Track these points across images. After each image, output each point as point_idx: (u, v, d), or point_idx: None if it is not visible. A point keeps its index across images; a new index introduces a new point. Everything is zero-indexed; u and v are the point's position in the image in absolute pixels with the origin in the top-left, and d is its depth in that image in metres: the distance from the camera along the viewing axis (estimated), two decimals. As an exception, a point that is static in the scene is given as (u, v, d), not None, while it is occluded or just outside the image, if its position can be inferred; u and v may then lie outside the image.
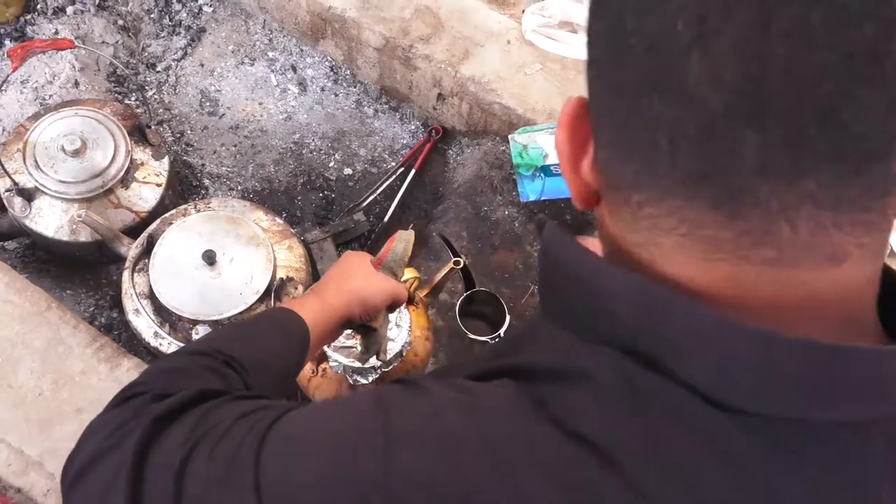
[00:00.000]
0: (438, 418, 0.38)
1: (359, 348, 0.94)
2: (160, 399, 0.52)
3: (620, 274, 0.34)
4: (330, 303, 0.77)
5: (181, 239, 1.19)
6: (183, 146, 1.58)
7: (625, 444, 0.33)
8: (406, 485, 0.35)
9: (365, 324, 0.83)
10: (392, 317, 0.99)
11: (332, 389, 1.04)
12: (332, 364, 0.99)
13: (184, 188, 1.52)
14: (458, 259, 1.02)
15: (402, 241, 0.90)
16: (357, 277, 0.81)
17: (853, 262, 0.31)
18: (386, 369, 0.96)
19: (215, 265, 1.16)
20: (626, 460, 0.33)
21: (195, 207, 1.28)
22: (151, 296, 1.18)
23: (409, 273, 1.03)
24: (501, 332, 1.16)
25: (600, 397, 0.34)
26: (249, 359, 0.65)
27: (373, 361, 0.94)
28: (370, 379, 0.96)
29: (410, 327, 0.97)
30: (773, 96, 0.27)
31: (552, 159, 1.29)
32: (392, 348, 0.95)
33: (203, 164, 1.57)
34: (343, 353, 0.98)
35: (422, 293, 1.06)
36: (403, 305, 0.93)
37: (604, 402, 0.34)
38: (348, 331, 0.91)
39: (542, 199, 1.36)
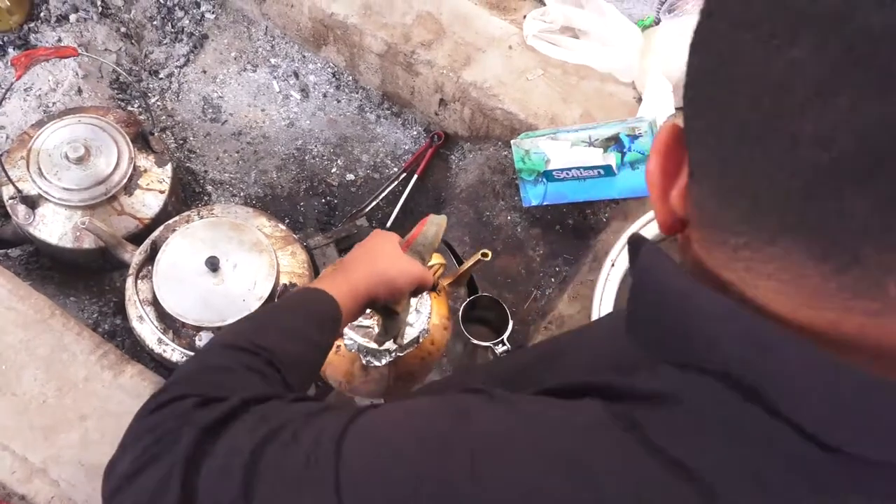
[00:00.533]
0: (526, 432, 0.38)
1: (376, 329, 0.93)
2: (203, 405, 0.52)
3: (725, 303, 0.34)
4: (356, 283, 0.76)
5: (184, 245, 1.19)
6: (186, 153, 1.58)
7: (723, 474, 0.33)
8: (493, 493, 0.35)
9: (387, 306, 0.81)
10: (413, 301, 0.97)
11: (344, 367, 1.03)
12: (346, 342, 0.98)
13: (187, 195, 1.53)
14: (486, 252, 1.01)
15: (434, 224, 0.88)
16: (385, 259, 0.79)
17: None
18: (401, 354, 0.94)
19: (218, 271, 1.17)
20: (724, 492, 0.33)
21: (198, 214, 1.28)
22: (155, 302, 1.18)
23: (435, 259, 1.01)
24: (504, 337, 1.16)
25: (698, 424, 0.34)
26: (291, 355, 0.63)
27: (388, 344, 0.93)
28: (383, 361, 0.95)
29: (430, 314, 0.95)
30: (887, 161, 0.27)
31: (554, 164, 1.29)
32: (410, 333, 0.94)
33: (206, 171, 1.57)
34: (359, 332, 0.97)
35: (445, 282, 1.05)
36: (426, 291, 0.92)
37: (702, 430, 0.34)
38: (368, 310, 0.90)
39: (545, 203, 1.36)
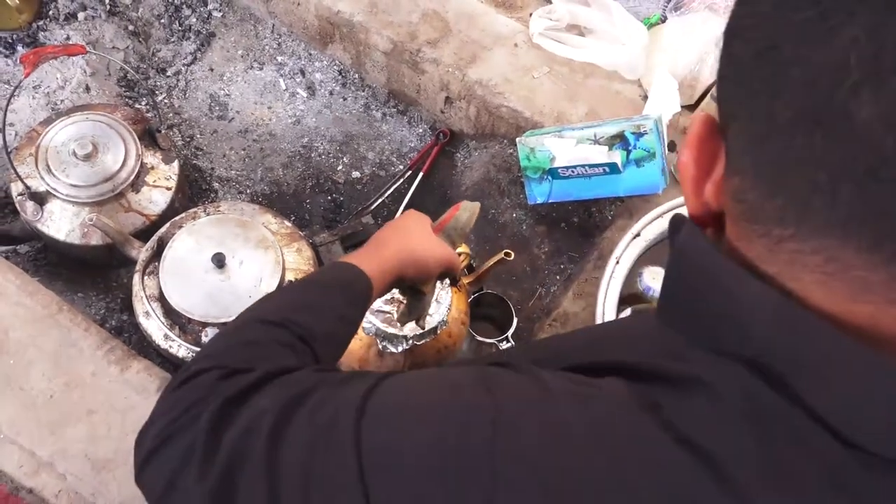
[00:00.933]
0: (548, 405, 0.38)
1: (395, 314, 0.92)
2: (228, 377, 0.52)
3: (763, 289, 0.33)
4: (387, 260, 0.76)
5: (190, 242, 1.20)
6: (193, 150, 1.59)
7: (742, 461, 0.33)
8: (513, 467, 0.36)
9: (414, 286, 0.81)
10: (435, 290, 0.96)
11: (360, 353, 1.02)
12: (365, 325, 0.98)
13: (193, 192, 1.53)
14: (509, 252, 1.00)
15: (467, 210, 0.87)
16: (416, 238, 0.80)
17: None
18: (418, 342, 0.93)
19: (225, 268, 1.17)
20: (742, 478, 0.32)
21: (205, 210, 1.29)
22: (161, 298, 1.19)
23: (462, 248, 1.00)
24: (509, 334, 1.16)
25: (721, 409, 0.34)
26: (321, 329, 0.63)
27: (407, 330, 0.93)
28: (399, 349, 0.94)
29: (450, 306, 0.94)
30: None
31: (559, 161, 1.29)
32: (429, 322, 0.93)
33: (213, 168, 1.58)
34: (379, 316, 0.96)
35: (466, 280, 1.04)
36: (448, 283, 0.91)
37: (724, 415, 0.34)
38: (388, 295, 0.88)
39: (550, 201, 1.36)
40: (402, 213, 0.84)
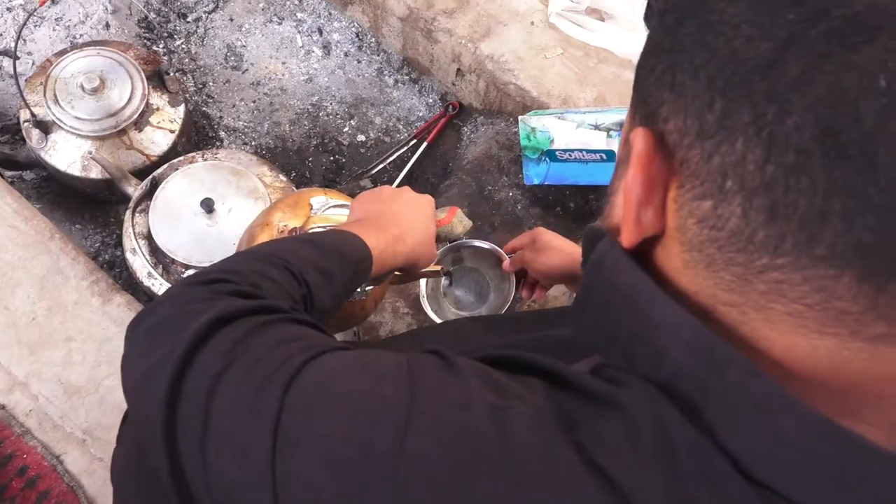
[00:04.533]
0: (465, 412, 0.37)
1: None
2: (236, 295, 0.52)
3: (683, 315, 0.32)
4: (394, 260, 0.74)
5: (183, 185, 1.22)
6: (204, 97, 1.61)
7: (647, 493, 0.32)
8: (414, 470, 0.35)
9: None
10: None
11: None
12: None
13: (200, 138, 1.55)
14: (450, 271, 1.03)
15: (462, 224, 0.93)
16: (425, 244, 0.79)
17: None
18: None
19: (213, 213, 1.19)
20: None
21: (202, 156, 1.30)
22: (149, 237, 1.21)
23: None
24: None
25: (633, 438, 0.33)
26: (325, 301, 0.63)
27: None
28: None
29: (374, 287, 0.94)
30: None
31: (558, 144, 1.29)
32: None
33: (221, 117, 1.59)
34: None
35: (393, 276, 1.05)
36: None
37: (636, 445, 0.33)
38: None
39: (546, 183, 1.35)
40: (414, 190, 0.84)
